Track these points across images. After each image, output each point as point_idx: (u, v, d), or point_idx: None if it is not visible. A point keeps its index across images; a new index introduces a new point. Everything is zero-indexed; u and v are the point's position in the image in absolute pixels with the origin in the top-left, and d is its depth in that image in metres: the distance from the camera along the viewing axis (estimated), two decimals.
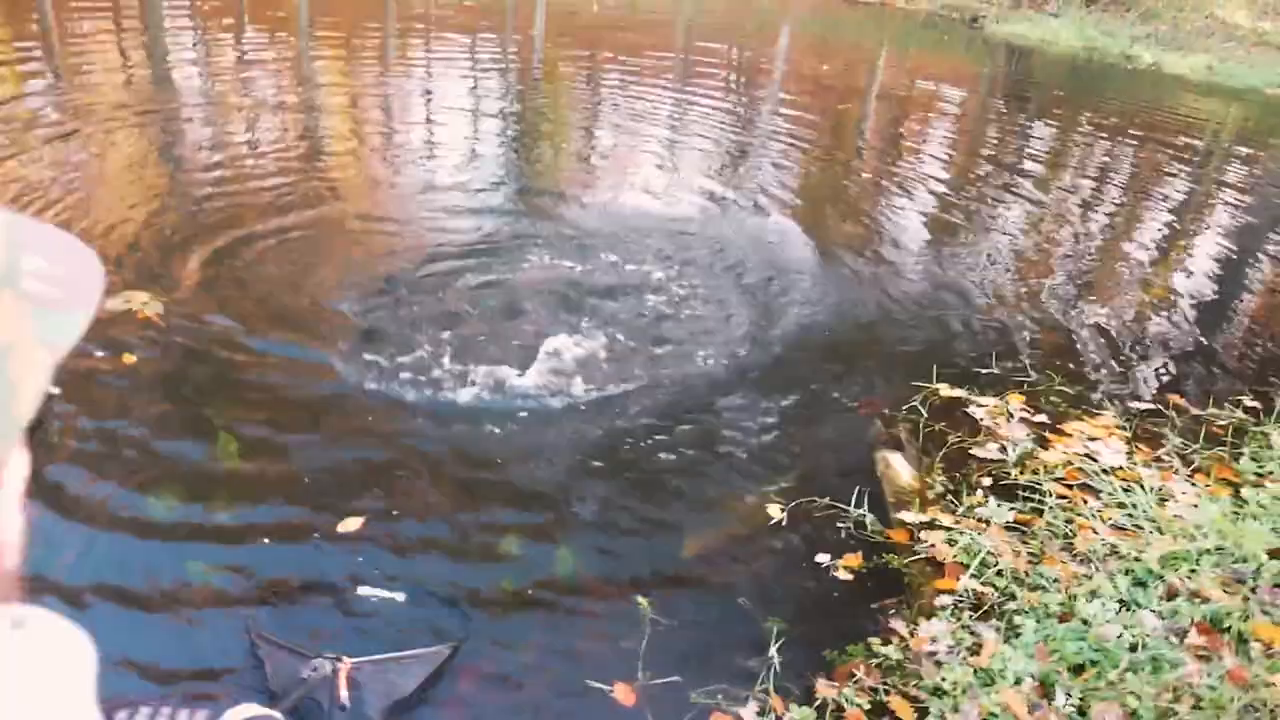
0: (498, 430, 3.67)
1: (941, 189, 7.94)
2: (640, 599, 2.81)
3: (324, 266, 4.99)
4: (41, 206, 5.32)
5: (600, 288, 5.00)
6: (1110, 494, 3.41)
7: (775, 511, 3.27)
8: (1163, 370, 4.72)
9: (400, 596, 2.71)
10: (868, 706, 2.51)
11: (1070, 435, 3.86)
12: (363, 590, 2.74)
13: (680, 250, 5.71)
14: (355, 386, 3.84)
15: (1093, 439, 3.82)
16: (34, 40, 10.51)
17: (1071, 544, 3.14)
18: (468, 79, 11.07)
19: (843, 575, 3.02)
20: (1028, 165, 9.16)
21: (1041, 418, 3.95)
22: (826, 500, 3.32)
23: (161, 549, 2.89)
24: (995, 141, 10.57)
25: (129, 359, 3.80)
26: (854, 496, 3.32)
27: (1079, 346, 4.86)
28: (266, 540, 2.99)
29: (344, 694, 2.25)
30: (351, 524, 3.06)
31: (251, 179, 6.33)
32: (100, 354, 3.80)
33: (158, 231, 5.20)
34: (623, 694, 2.53)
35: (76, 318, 0.50)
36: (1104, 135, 10.98)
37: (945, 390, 4.11)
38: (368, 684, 2.32)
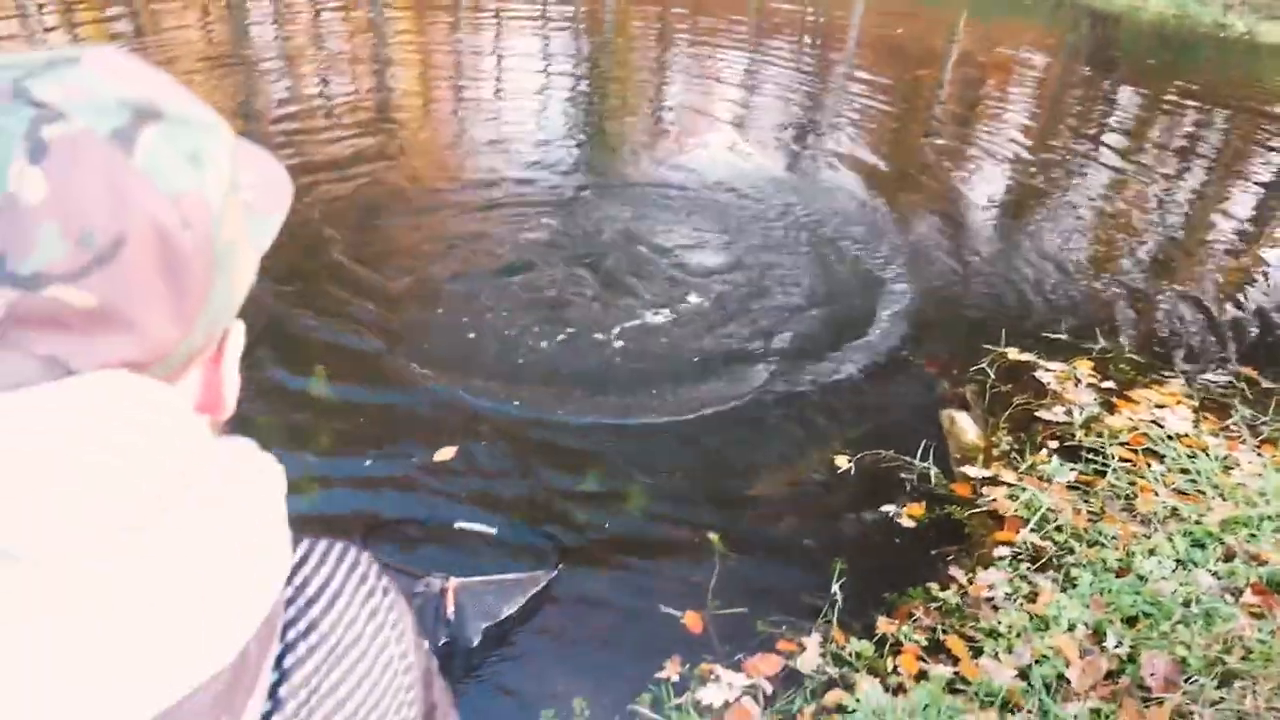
0: (579, 375, 3.86)
1: (1020, 155, 7.85)
2: (712, 535, 2.98)
3: (397, 216, 5.21)
4: None
5: (674, 246, 5.14)
6: (1174, 459, 3.46)
7: (843, 461, 3.40)
8: (1236, 343, 4.70)
9: (494, 530, 2.89)
10: (925, 644, 2.65)
11: (1137, 402, 3.90)
12: (459, 524, 2.92)
13: (751, 210, 5.81)
14: (439, 327, 4.06)
15: (1160, 406, 3.86)
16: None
17: (1132, 505, 3.22)
18: (538, 36, 11.18)
19: (905, 523, 3.14)
20: (1111, 134, 8.98)
21: (1109, 384, 4.00)
22: (892, 453, 3.44)
23: None
24: (1078, 109, 10.36)
25: None
26: (919, 451, 3.43)
27: (1153, 316, 4.85)
28: (368, 463, 3.22)
29: (450, 610, 2.46)
30: (445, 453, 3.28)
31: (324, 132, 6.58)
32: None
33: None
34: (692, 622, 2.71)
35: (275, 219, 0.62)
36: (1192, 105, 10.67)
37: (1014, 353, 4.17)
38: (469, 604, 2.53)
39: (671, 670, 2.54)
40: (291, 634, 0.58)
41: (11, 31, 9.22)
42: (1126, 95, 11.16)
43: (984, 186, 6.94)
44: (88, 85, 0.47)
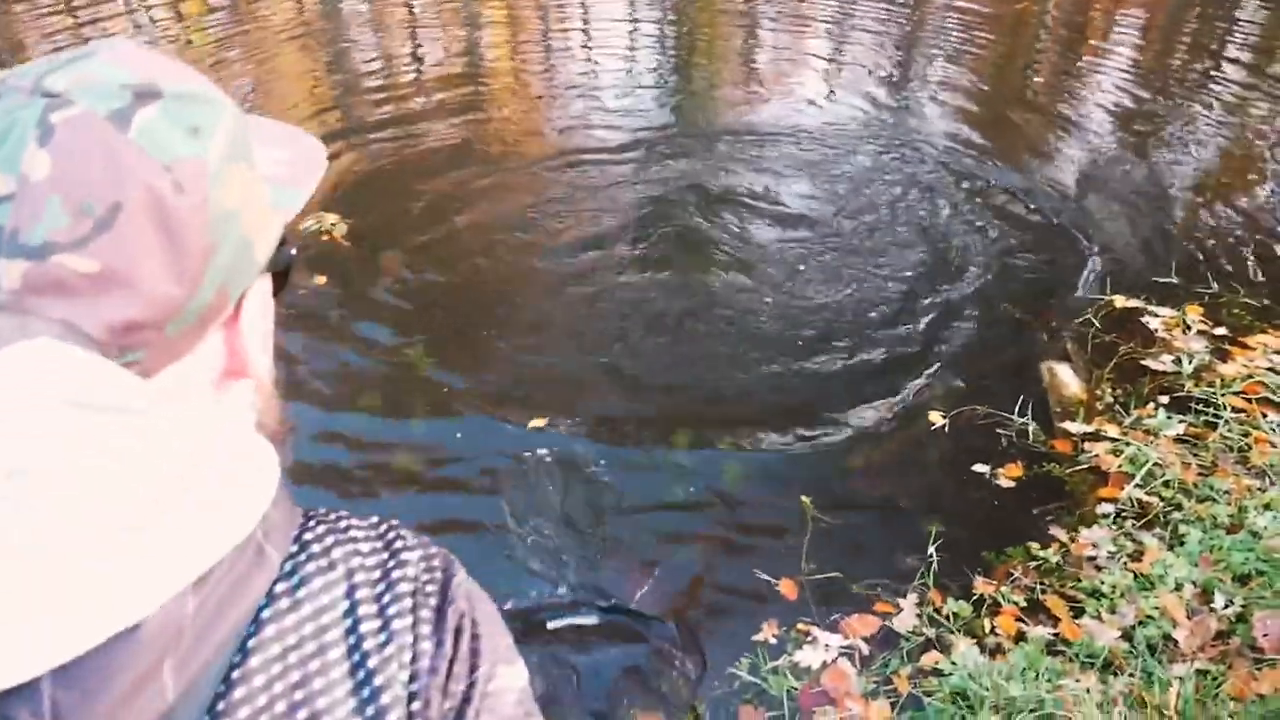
0: (669, 339, 3.89)
1: (1131, 83, 7.44)
2: (804, 498, 3.00)
3: (498, 186, 5.29)
4: None
5: (761, 199, 5.09)
6: None
7: (937, 418, 3.36)
8: None
9: (592, 619, 2.75)
10: (1023, 604, 2.63)
11: (1253, 348, 3.73)
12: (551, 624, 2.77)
13: (841, 159, 5.70)
14: (539, 292, 4.15)
15: (1278, 353, 3.68)
16: None
17: (1246, 458, 3.10)
18: None
19: (1003, 482, 3.10)
20: (1232, 55, 8.43)
21: (1221, 330, 3.83)
22: (989, 408, 3.38)
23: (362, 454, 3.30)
24: (1196, 27, 9.74)
25: (320, 279, 4.23)
26: (1017, 406, 3.36)
27: (1273, 256, 4.59)
28: (459, 435, 3.34)
29: None
30: (538, 422, 3.37)
31: (419, 96, 6.69)
32: (299, 271, 4.25)
33: (338, 153, 5.63)
34: (787, 588, 2.74)
35: (302, 191, 0.67)
36: None
37: (1120, 300, 4.02)
38: None
39: (768, 633, 2.59)
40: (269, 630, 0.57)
41: (116, 10, 9.66)
42: (1252, 6, 10.41)
43: (1090, 121, 6.62)
44: (96, 73, 0.53)
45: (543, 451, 3.26)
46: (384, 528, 0.68)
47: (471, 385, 3.62)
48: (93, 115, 0.51)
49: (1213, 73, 7.74)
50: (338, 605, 0.60)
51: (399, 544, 0.67)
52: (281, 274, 0.68)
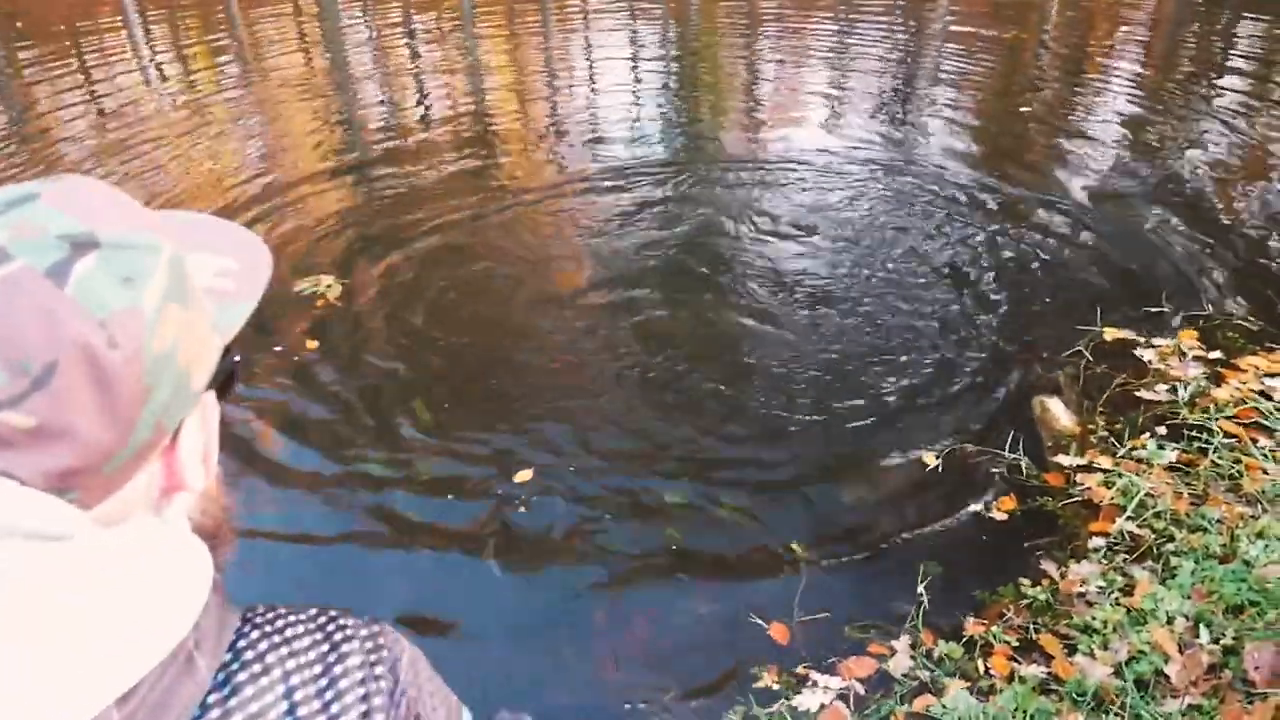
0: (662, 381, 3.95)
1: (1123, 110, 7.52)
2: (795, 545, 3.03)
3: (499, 242, 5.40)
4: (229, 186, 6.01)
5: (757, 235, 5.19)
6: None
7: (930, 458, 3.38)
8: None
9: None
10: (1016, 644, 2.64)
11: (1245, 370, 3.74)
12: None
13: (841, 189, 5.84)
14: (537, 342, 4.22)
15: (1270, 375, 3.69)
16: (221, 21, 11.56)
17: (1238, 485, 3.11)
18: (625, 29, 11.28)
19: (995, 518, 3.12)
20: (1226, 79, 8.47)
21: (1216, 354, 3.84)
22: (980, 446, 3.41)
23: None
24: (1191, 48, 9.80)
25: (311, 344, 4.30)
26: (1008, 441, 3.39)
27: (1266, 276, 4.61)
28: (450, 497, 3.39)
29: None
30: (523, 475, 3.42)
31: (422, 149, 6.84)
32: (295, 336, 4.34)
33: (340, 217, 5.76)
34: (778, 633, 2.76)
35: (244, 307, 0.67)
36: None
37: (1111, 332, 4.05)
38: None
39: (765, 679, 2.61)
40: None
41: (128, 69, 9.96)
42: (1246, 26, 10.47)
43: (1085, 147, 6.68)
44: (36, 222, 0.55)
45: (533, 497, 3.31)
46: (323, 619, 0.70)
47: (466, 440, 3.68)
48: (31, 271, 0.53)
49: (1205, 95, 7.79)
50: (272, 710, 0.62)
51: (339, 635, 0.69)
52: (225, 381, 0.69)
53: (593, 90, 8.74)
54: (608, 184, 6.12)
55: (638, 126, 7.32)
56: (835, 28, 11.06)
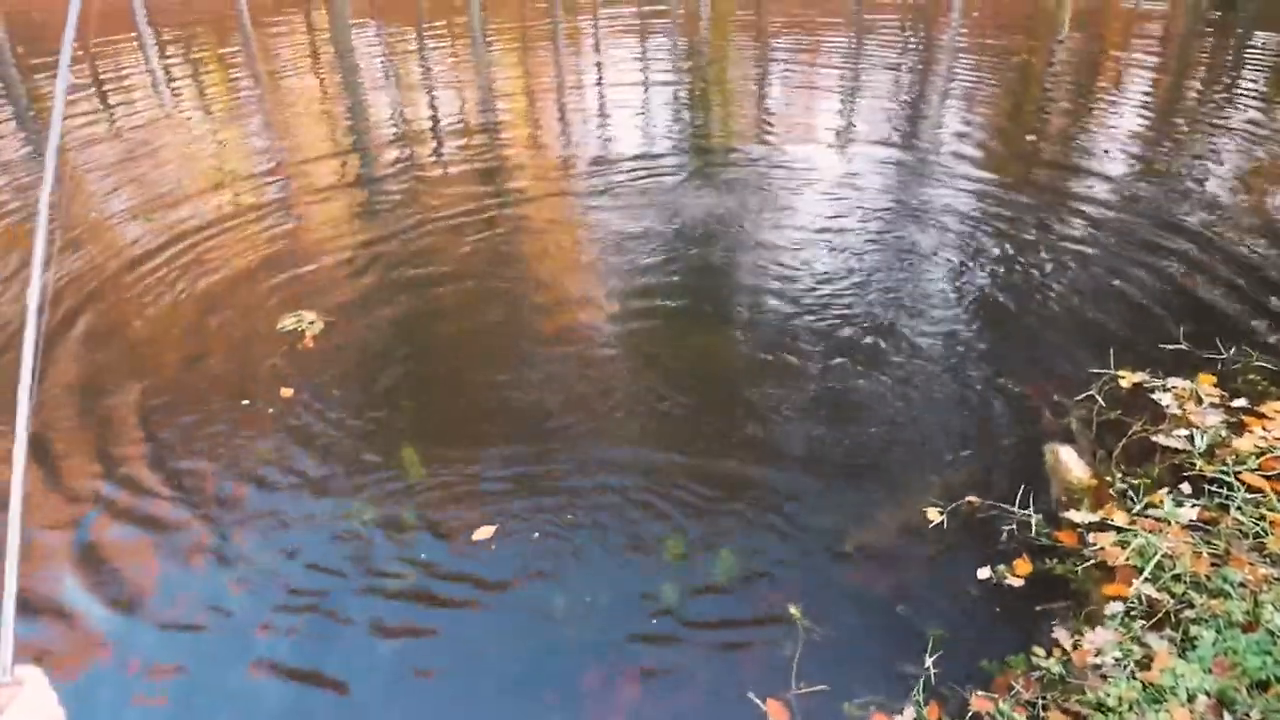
0: (654, 422, 3.82)
1: (1137, 126, 7.39)
2: (792, 608, 2.88)
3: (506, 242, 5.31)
4: (229, 210, 5.94)
5: (754, 261, 5.07)
6: None
7: (934, 514, 3.24)
8: None
9: None
10: None
11: (1270, 418, 3.57)
12: None
13: (846, 213, 5.76)
14: (525, 392, 4.11)
15: None
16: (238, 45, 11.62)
17: (1263, 543, 2.95)
18: (635, 45, 11.26)
19: (1004, 581, 2.96)
20: (1239, 93, 8.31)
21: (1240, 401, 3.67)
22: (988, 499, 3.25)
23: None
24: (1203, 65, 9.64)
25: (286, 392, 4.19)
26: (1019, 496, 3.24)
27: None
28: (436, 544, 3.27)
29: None
30: (483, 532, 3.31)
31: (436, 168, 6.77)
32: (267, 384, 4.24)
33: (337, 247, 5.68)
34: (775, 711, 2.62)
35: None
36: None
37: (1126, 373, 3.89)
38: None
39: None
40: None
41: (142, 83, 10.02)
42: (1261, 39, 10.29)
43: (1095, 170, 6.55)
44: None
45: (523, 546, 3.19)
46: None
47: (455, 487, 3.57)
48: None
49: (1220, 118, 7.63)
50: None
51: None
52: None
53: (601, 115, 8.70)
54: (611, 210, 6.08)
55: (646, 152, 7.27)
56: (845, 42, 10.99)
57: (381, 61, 11.87)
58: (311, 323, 4.63)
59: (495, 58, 11.48)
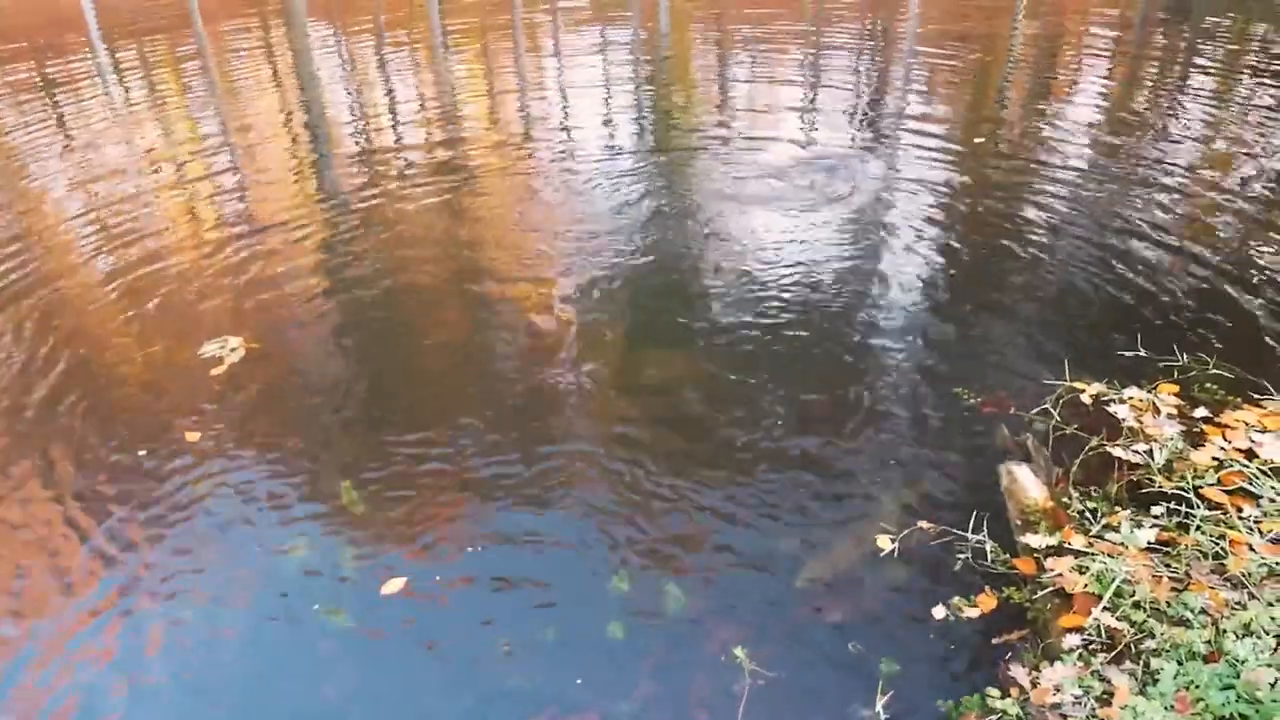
0: (597, 449, 3.68)
1: (1093, 126, 7.33)
2: (738, 650, 2.74)
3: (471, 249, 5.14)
4: (173, 231, 5.73)
5: (702, 269, 4.93)
6: (1273, 499, 3.05)
7: (885, 542, 3.11)
8: None
9: None
10: None
11: (1232, 428, 3.48)
12: None
13: (802, 212, 5.72)
14: (466, 424, 3.95)
15: (1260, 431, 3.43)
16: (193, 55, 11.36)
17: (1223, 565, 2.84)
18: (595, 44, 11.11)
19: (958, 613, 2.84)
20: (1189, 95, 8.30)
21: (1200, 411, 3.58)
22: (941, 526, 3.13)
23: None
24: (1156, 68, 9.63)
25: (192, 436, 3.97)
26: (973, 518, 3.11)
27: (1245, 318, 4.36)
28: (376, 586, 3.11)
29: None
30: (407, 581, 3.14)
31: (401, 177, 6.58)
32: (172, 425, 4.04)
33: (277, 266, 5.49)
34: None
35: None
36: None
37: (1082, 384, 3.79)
38: None
39: None
40: None
41: (94, 92, 9.77)
42: (1207, 45, 10.33)
43: (1051, 170, 6.48)
44: None
45: (467, 586, 3.03)
46: None
47: (394, 522, 3.40)
48: None
49: (1175, 116, 7.60)
50: None
51: None
52: None
53: (565, 129, 8.51)
54: (567, 211, 5.92)
55: (606, 162, 7.11)
56: (805, 37, 10.94)
57: (337, 60, 11.68)
58: (234, 349, 4.43)
59: (455, 64, 11.29)
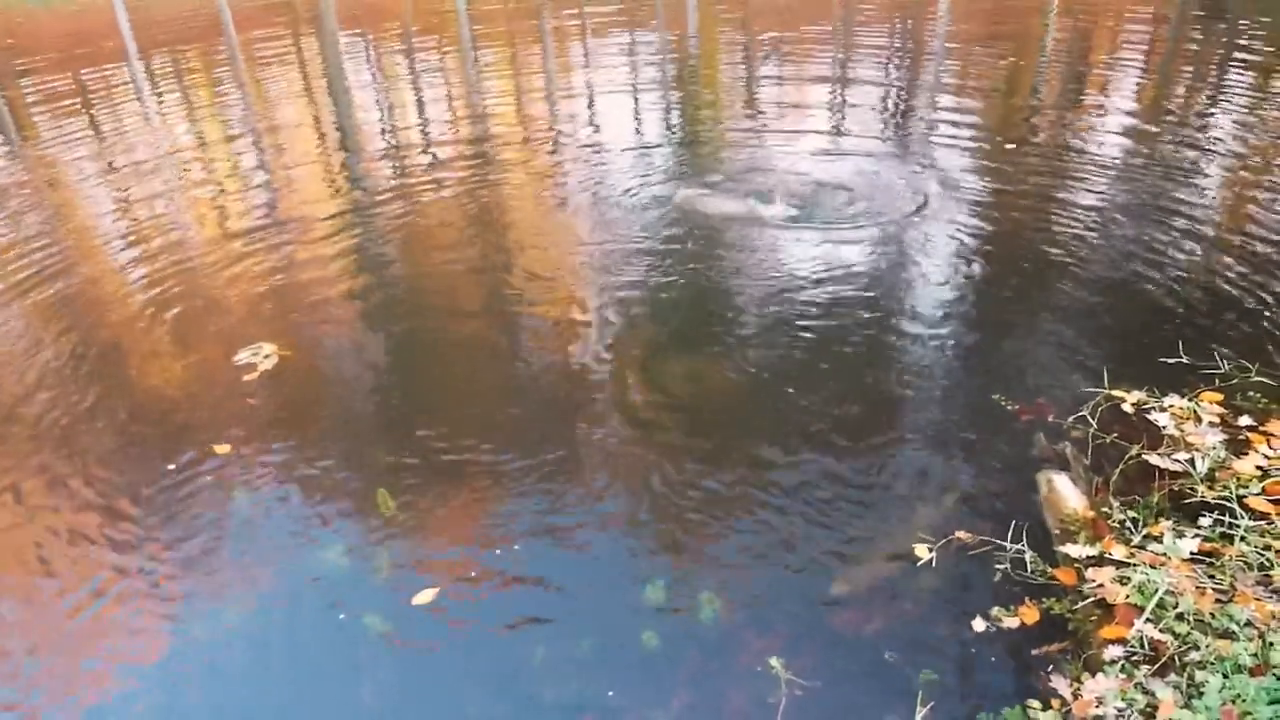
0: (627, 460, 3.68)
1: (1128, 134, 7.23)
2: (773, 660, 2.73)
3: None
4: (205, 236, 5.81)
5: (732, 282, 4.92)
6: None
7: (923, 551, 3.08)
8: None
9: None
10: None
11: (1277, 436, 3.43)
12: None
13: (830, 221, 5.62)
14: (496, 429, 3.97)
15: None
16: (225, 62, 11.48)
17: (1269, 576, 2.80)
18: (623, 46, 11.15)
19: (998, 624, 2.81)
20: (1228, 95, 8.17)
21: (1244, 419, 3.52)
22: (980, 536, 3.10)
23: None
24: (1193, 67, 9.49)
25: (221, 449, 3.99)
26: (1012, 527, 3.08)
27: None
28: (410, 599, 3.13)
29: None
30: (436, 590, 3.16)
31: (426, 183, 6.63)
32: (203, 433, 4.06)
33: (310, 272, 5.54)
34: None
35: None
36: None
37: (1121, 392, 3.74)
38: None
39: None
40: None
41: (127, 96, 9.92)
42: (1247, 41, 10.16)
43: (1085, 174, 6.41)
44: None
45: (498, 591, 3.04)
46: None
47: (427, 531, 3.42)
48: None
49: (1211, 119, 7.48)
50: None
51: None
52: None
53: (594, 132, 8.52)
54: (602, 225, 5.91)
55: (636, 173, 7.08)
56: (833, 43, 10.90)
57: (368, 70, 11.79)
58: (266, 356, 4.48)
59: (484, 73, 11.36)
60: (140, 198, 7.24)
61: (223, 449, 3.91)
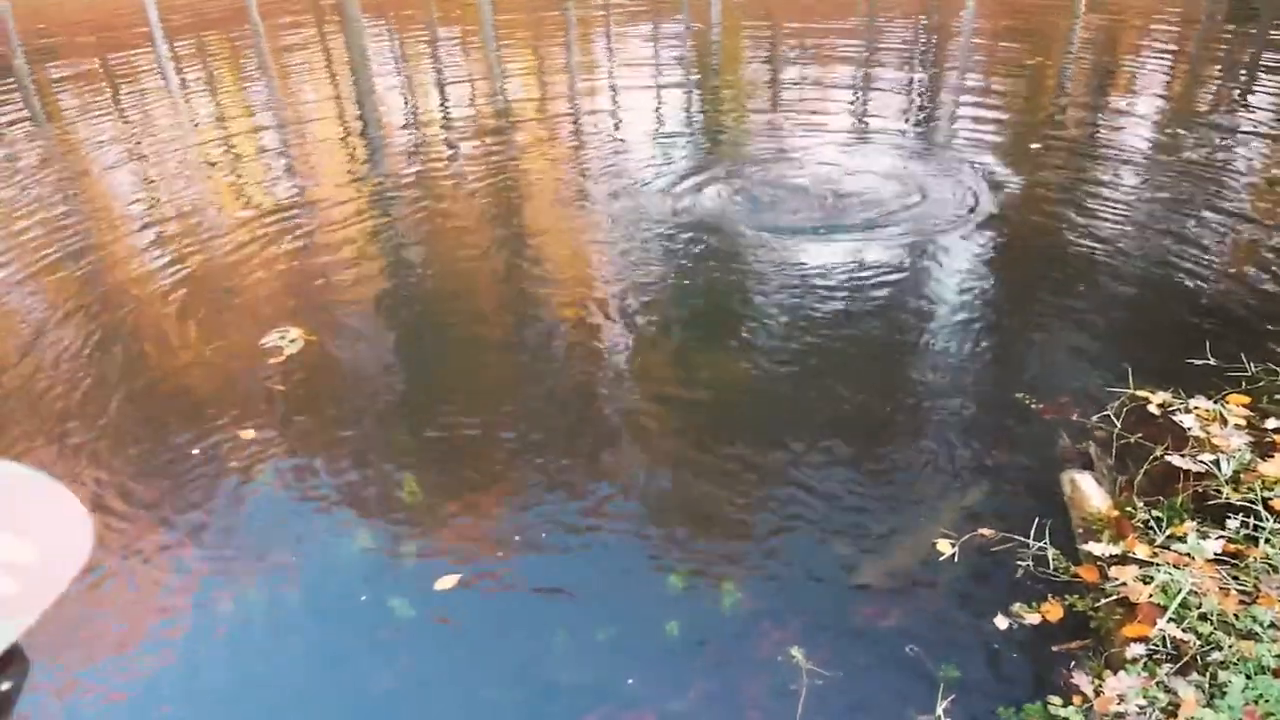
0: (647, 453, 3.70)
1: (1156, 135, 7.18)
2: (794, 651, 2.74)
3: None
4: (231, 218, 5.85)
5: (752, 279, 4.92)
6: None
7: (945, 546, 3.09)
8: None
9: None
10: None
11: None
12: None
13: (852, 217, 5.62)
14: (520, 414, 3.99)
15: None
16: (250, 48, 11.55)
17: None
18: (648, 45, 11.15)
19: (1020, 620, 2.81)
20: (1257, 96, 8.09)
21: (1271, 421, 3.50)
22: (1002, 532, 3.10)
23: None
24: (1220, 70, 9.41)
25: (246, 434, 4.06)
26: (1034, 526, 3.08)
27: None
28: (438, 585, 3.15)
29: None
30: (462, 578, 3.18)
31: (448, 185, 6.66)
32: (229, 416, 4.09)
33: (338, 256, 5.58)
34: None
35: (19, 621, 0.55)
36: None
37: (1146, 394, 3.73)
38: None
39: None
40: None
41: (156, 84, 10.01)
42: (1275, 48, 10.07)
43: (1111, 174, 6.38)
44: None
45: (522, 579, 3.07)
46: None
47: (454, 517, 3.45)
48: None
49: (1235, 118, 7.42)
50: None
51: None
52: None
53: (616, 125, 8.53)
54: (621, 233, 5.90)
55: (657, 165, 7.08)
56: (859, 39, 10.85)
57: (392, 61, 11.83)
58: (292, 340, 4.51)
59: (507, 63, 11.38)
60: (163, 178, 7.32)
61: (248, 433, 3.95)
